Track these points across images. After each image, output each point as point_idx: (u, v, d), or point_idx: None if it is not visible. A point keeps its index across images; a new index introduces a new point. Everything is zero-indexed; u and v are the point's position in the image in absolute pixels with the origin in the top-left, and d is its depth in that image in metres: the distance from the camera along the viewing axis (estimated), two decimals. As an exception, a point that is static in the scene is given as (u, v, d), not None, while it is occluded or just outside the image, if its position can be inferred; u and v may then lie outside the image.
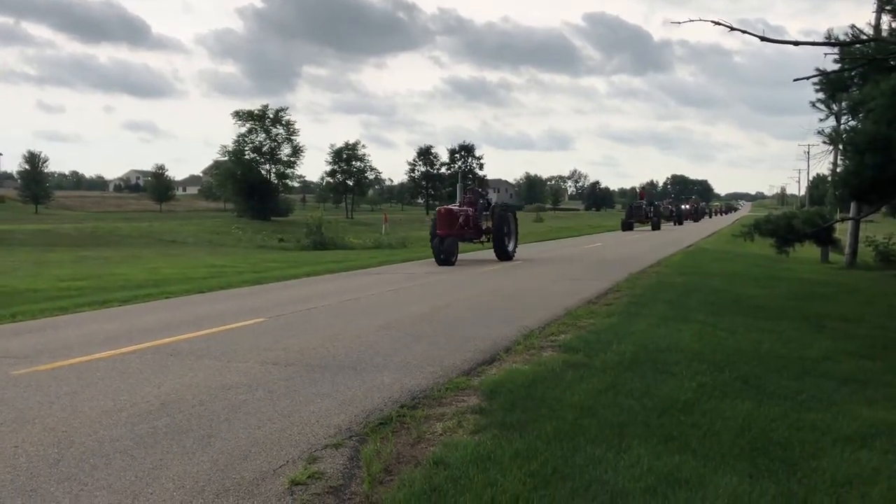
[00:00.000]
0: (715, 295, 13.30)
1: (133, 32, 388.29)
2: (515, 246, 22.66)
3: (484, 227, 22.12)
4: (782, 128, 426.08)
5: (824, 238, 13.94)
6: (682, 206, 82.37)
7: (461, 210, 21.54)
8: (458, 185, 23.81)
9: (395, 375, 6.81)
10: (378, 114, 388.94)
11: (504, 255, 21.55)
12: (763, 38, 9.66)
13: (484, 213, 22.24)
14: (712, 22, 9.48)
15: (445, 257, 19.77)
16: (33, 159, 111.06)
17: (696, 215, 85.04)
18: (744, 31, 9.50)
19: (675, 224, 67.33)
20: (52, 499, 4.01)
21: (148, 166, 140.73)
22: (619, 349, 7.70)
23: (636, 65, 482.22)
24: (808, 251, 22.25)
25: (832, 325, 10.76)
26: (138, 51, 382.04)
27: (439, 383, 6.56)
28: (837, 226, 15.45)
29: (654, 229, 51.83)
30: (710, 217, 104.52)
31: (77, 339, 8.88)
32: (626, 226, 52.22)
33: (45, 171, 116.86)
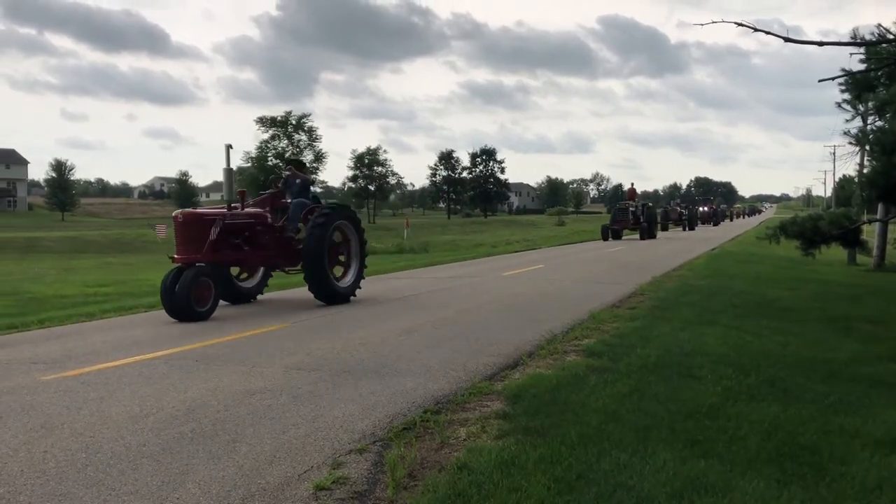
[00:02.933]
0: (740, 297, 13.18)
1: (152, 41, 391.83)
2: (358, 277, 13.25)
3: (301, 245, 12.50)
4: (805, 129, 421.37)
5: (851, 240, 13.78)
6: (700, 208, 75.65)
7: (228, 215, 11.89)
8: (223, 170, 12.86)
9: (419, 380, 6.82)
10: (397, 119, 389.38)
11: (328, 295, 12.37)
12: (787, 39, 9.58)
13: (300, 220, 12.80)
14: (735, 23, 9.43)
15: (180, 301, 10.62)
16: (60, 167, 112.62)
17: (714, 219, 76.25)
18: (767, 32, 9.44)
19: (684, 229, 56.76)
20: (81, 503, 4.06)
21: (170, 173, 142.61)
22: (643, 353, 7.66)
23: (653, 67, 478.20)
24: (835, 253, 22.01)
25: (860, 328, 10.64)
26: (158, 59, 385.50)
27: (463, 388, 6.55)
28: (865, 227, 15.28)
29: (642, 238, 39.06)
30: (731, 220, 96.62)
31: (104, 344, 8.98)
32: (612, 234, 39.52)
33: (72, 178, 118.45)
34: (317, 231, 12.24)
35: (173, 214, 11.83)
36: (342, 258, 13.31)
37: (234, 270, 13.16)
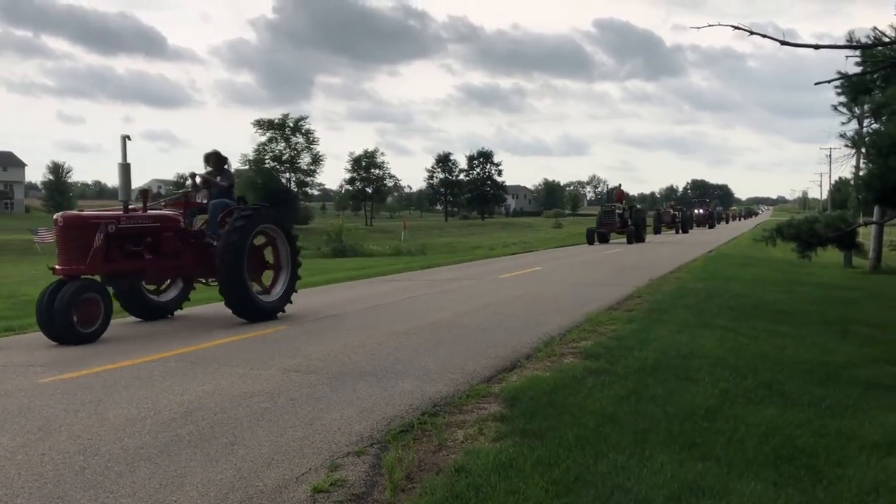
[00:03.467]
0: (737, 300, 13.20)
1: (149, 44, 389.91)
2: (289, 290, 11.60)
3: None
4: (801, 131, 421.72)
5: (847, 242, 13.77)
6: (695, 211, 73.79)
7: (122, 218, 10.36)
8: (119, 165, 10.59)
9: (416, 382, 6.82)
10: (393, 121, 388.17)
11: (247, 311, 10.84)
12: (783, 42, 9.61)
13: (226, 224, 10.98)
14: (731, 26, 9.45)
15: (57, 321, 9.07)
16: (57, 170, 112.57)
17: (710, 221, 74.39)
18: (763, 36, 9.46)
19: (677, 232, 55.36)
20: (79, 506, 4.05)
21: (168, 175, 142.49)
22: (640, 355, 7.67)
23: (649, 70, 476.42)
24: (831, 256, 22.04)
25: (856, 330, 10.65)
26: (154, 62, 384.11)
27: (460, 390, 6.56)
28: (861, 230, 15.29)
29: (629, 242, 37.04)
30: (727, 223, 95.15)
31: (100, 347, 8.96)
32: (598, 237, 38.18)
33: (69, 181, 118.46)
34: (234, 236, 10.60)
35: (54, 217, 10.13)
36: (269, 268, 11.79)
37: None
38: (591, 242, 37.56)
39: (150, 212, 10.98)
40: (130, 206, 10.72)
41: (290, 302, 11.64)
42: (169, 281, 11.80)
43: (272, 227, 11.57)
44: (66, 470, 4.58)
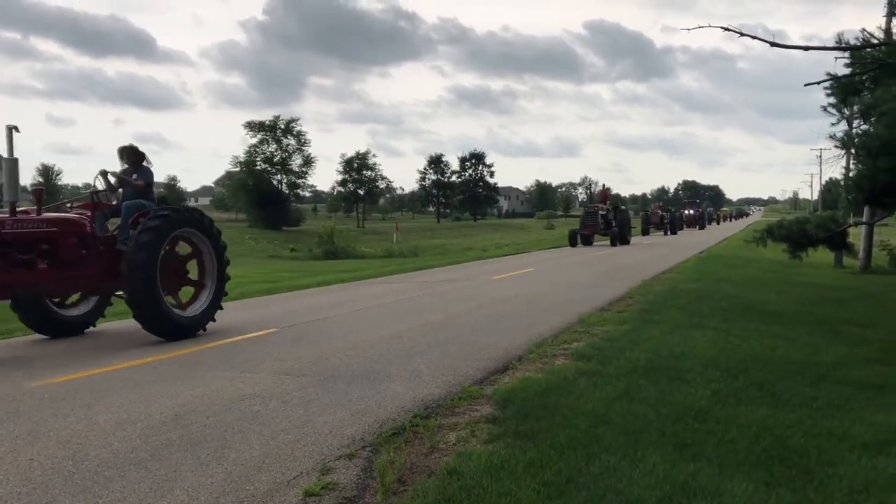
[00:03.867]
0: (728, 300, 13.24)
1: (139, 46, 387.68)
2: (214, 304, 10.30)
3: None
4: (791, 132, 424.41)
5: (838, 242, 13.84)
6: (686, 211, 73.26)
7: (7, 222, 8.91)
8: (4, 160, 9.15)
9: (408, 385, 6.81)
10: (385, 123, 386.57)
11: (162, 327, 9.48)
12: (773, 44, 9.65)
13: (133, 230, 9.50)
14: (722, 28, 9.49)
15: None
16: (47, 172, 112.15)
17: (700, 222, 72.92)
18: (753, 37, 9.50)
19: (665, 234, 54.37)
20: (68, 511, 4.02)
21: (159, 178, 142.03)
22: (632, 356, 7.68)
23: (639, 71, 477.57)
24: (822, 256, 22.13)
25: (847, 331, 10.68)
26: (145, 64, 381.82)
27: (452, 392, 6.55)
28: (851, 230, 15.36)
29: (613, 244, 35.91)
30: (718, 223, 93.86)
31: (91, 350, 8.92)
32: (581, 239, 37.10)
33: (59, 183, 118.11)
34: (143, 241, 9.20)
35: None
36: (190, 278, 10.35)
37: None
38: (573, 245, 36.48)
39: (45, 214, 9.56)
40: (20, 209, 9.38)
41: (221, 309, 10.48)
42: (79, 294, 10.54)
43: (193, 232, 10.12)
44: (54, 475, 4.54)
